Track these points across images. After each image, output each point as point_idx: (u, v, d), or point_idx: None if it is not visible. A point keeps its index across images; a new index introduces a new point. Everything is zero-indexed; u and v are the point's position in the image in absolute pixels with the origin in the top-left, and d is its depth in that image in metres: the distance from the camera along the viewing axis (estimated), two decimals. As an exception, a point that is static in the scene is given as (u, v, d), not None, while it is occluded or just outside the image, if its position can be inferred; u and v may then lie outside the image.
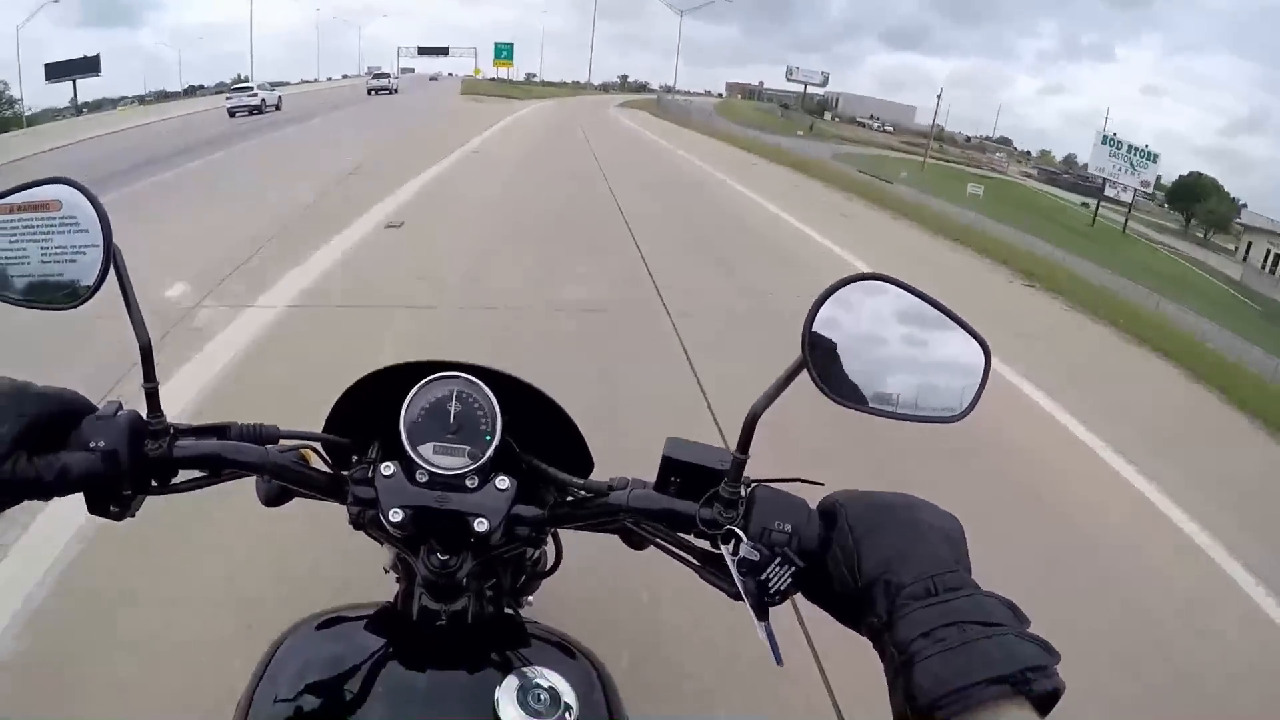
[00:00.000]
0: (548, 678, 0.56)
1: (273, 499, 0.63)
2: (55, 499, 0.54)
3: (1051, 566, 2.32)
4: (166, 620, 1.74)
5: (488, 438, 0.58)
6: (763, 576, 0.50)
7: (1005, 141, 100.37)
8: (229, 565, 1.93)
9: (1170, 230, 57.67)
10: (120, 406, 0.56)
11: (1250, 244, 39.39)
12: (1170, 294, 12.86)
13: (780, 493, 0.53)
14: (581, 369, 3.39)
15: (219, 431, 0.59)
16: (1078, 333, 5.78)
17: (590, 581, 1.77)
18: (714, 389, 3.30)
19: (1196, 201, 59.32)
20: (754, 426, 0.53)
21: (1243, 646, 2.19)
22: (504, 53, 65.66)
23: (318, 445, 0.63)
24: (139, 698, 1.54)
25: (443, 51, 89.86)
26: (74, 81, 38.14)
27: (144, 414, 0.57)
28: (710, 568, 0.54)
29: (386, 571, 0.67)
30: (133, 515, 0.57)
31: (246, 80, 30.38)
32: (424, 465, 0.57)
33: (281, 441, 0.60)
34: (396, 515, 0.55)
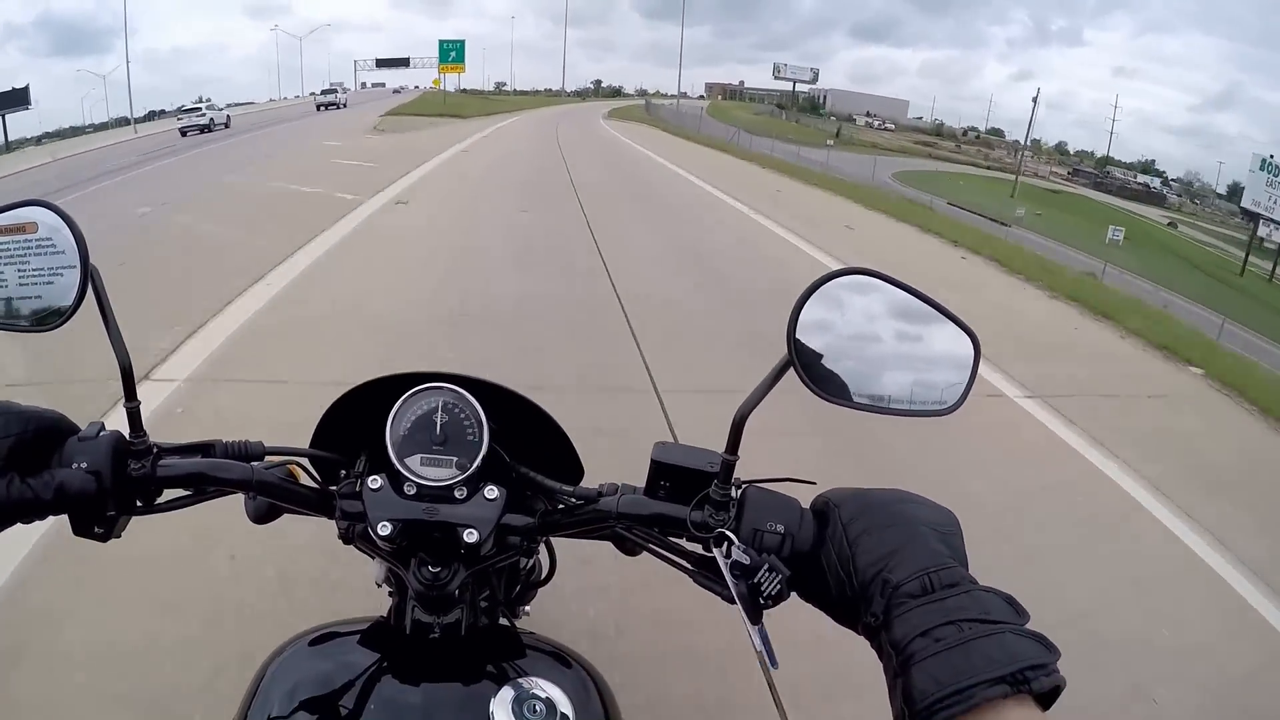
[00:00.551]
0: (543, 688, 0.56)
1: (261, 516, 0.62)
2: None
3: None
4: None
5: (475, 448, 0.57)
6: (755, 579, 0.49)
7: (998, 133, 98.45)
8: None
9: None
10: (103, 427, 0.56)
11: None
12: None
13: (772, 493, 0.53)
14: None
15: (203, 449, 0.58)
16: None
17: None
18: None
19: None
20: (742, 427, 0.52)
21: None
22: (452, 54, 47.57)
23: (304, 461, 0.62)
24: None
25: (403, 63, 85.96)
26: (2, 116, 34.49)
27: (127, 434, 0.56)
28: (703, 572, 0.53)
29: (379, 585, 0.67)
30: (118, 536, 0.57)
31: (206, 102, 30.63)
32: (412, 477, 0.56)
33: (267, 458, 0.59)
34: (385, 528, 0.55)
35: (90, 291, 0.56)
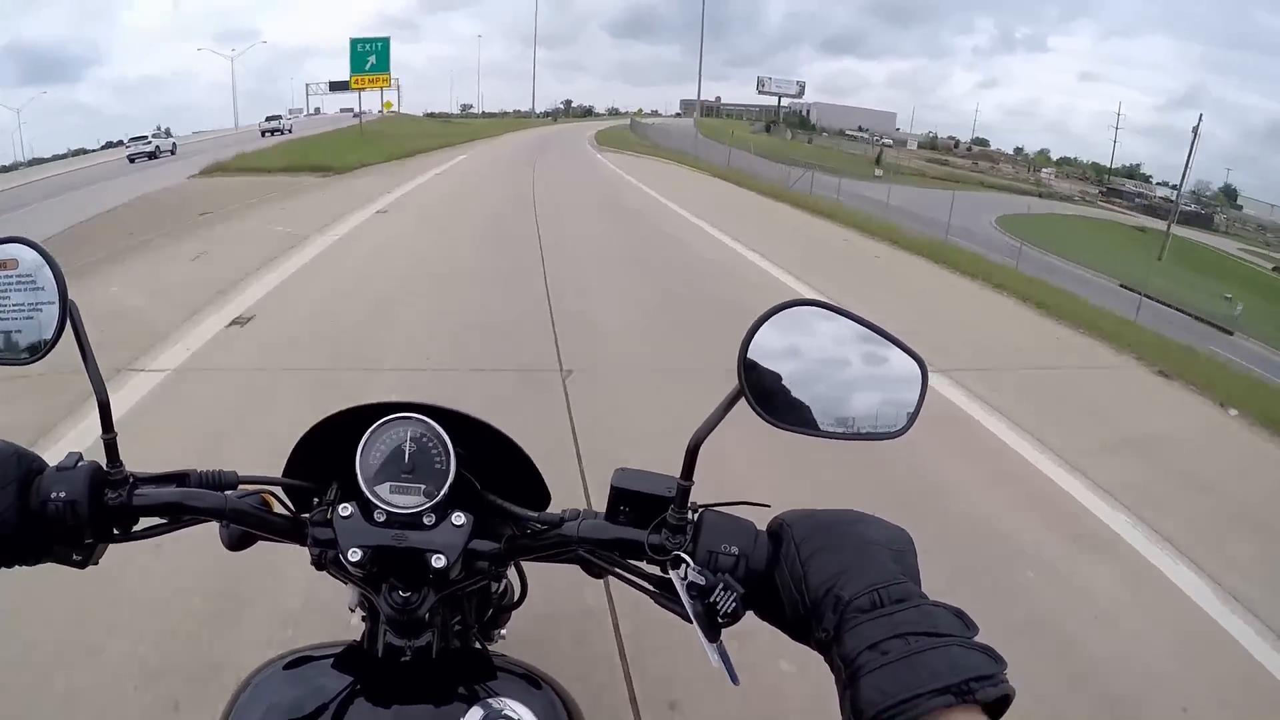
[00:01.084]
0: (513, 709, 0.57)
1: (235, 543, 0.64)
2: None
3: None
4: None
5: (442, 476, 0.59)
6: (711, 599, 0.50)
7: (983, 143, 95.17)
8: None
9: None
10: (80, 458, 0.57)
11: None
12: None
13: (728, 516, 0.55)
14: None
15: (178, 479, 0.60)
16: None
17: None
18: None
19: None
20: (696, 454, 0.54)
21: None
22: (370, 59, 31.47)
23: (277, 490, 0.64)
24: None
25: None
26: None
27: (104, 464, 0.58)
28: (664, 592, 0.55)
29: (352, 610, 0.68)
30: (95, 563, 0.58)
31: (155, 132, 32.45)
32: (381, 505, 0.58)
33: (241, 486, 0.61)
34: (355, 554, 0.56)
35: (70, 327, 0.58)
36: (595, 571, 0.61)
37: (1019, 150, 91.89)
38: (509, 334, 4.25)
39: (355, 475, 0.59)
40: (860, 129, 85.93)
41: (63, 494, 0.55)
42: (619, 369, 3.80)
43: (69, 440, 2.65)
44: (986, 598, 2.11)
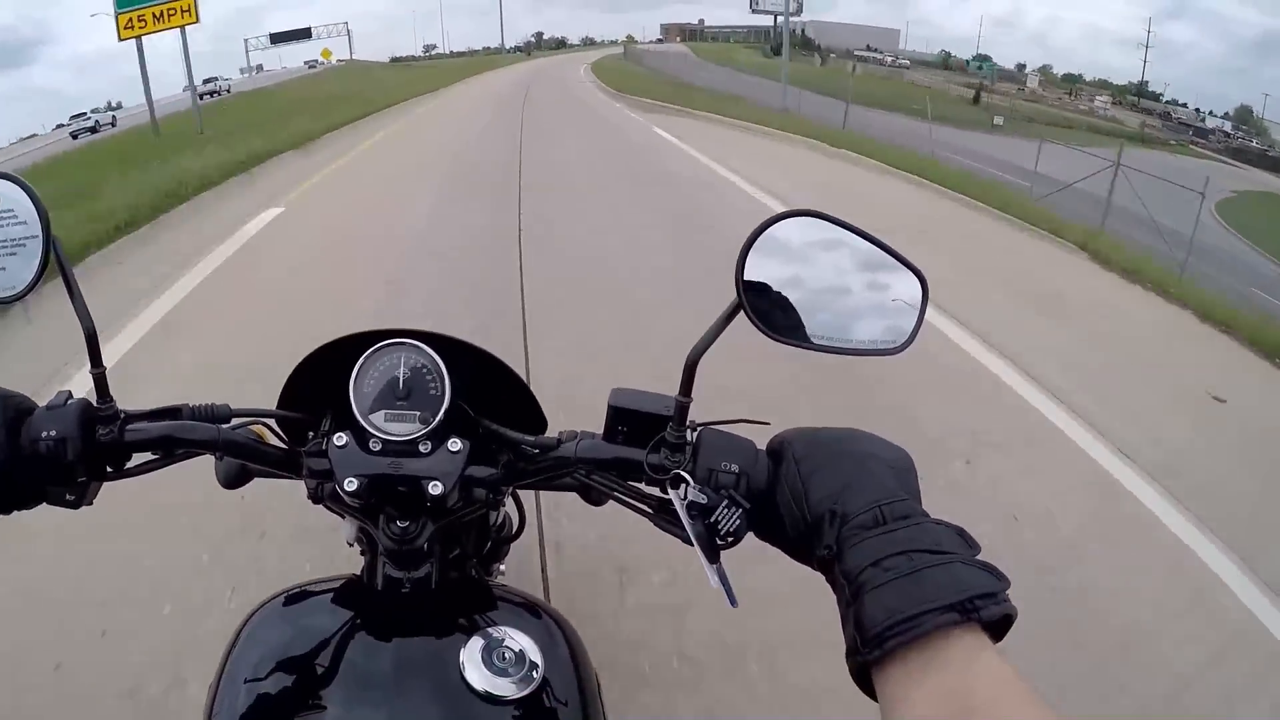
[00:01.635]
0: (514, 638, 0.57)
1: (232, 480, 0.63)
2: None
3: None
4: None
5: (438, 402, 0.58)
6: (712, 519, 0.50)
7: (984, 58, 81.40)
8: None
9: None
10: (70, 395, 0.57)
11: None
12: None
13: (727, 435, 0.54)
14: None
15: (170, 413, 0.59)
16: None
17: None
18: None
19: None
20: (694, 369, 0.53)
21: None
22: None
23: (271, 422, 0.63)
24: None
25: (303, 35, 64.62)
26: None
27: (94, 401, 0.57)
28: (663, 515, 0.55)
29: (350, 545, 0.68)
30: (89, 503, 0.58)
31: (94, 110, 34.98)
32: (376, 433, 0.57)
33: (234, 420, 0.60)
34: (352, 484, 0.56)
35: (55, 261, 0.57)
36: (593, 497, 0.61)
37: (1021, 68, 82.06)
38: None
39: (349, 405, 0.58)
40: (869, 48, 77.62)
41: (54, 432, 0.54)
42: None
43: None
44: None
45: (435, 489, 0.56)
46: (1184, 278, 6.34)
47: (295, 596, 0.63)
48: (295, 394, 0.64)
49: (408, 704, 0.54)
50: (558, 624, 0.63)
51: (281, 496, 1.30)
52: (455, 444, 0.58)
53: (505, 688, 0.54)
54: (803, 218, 0.52)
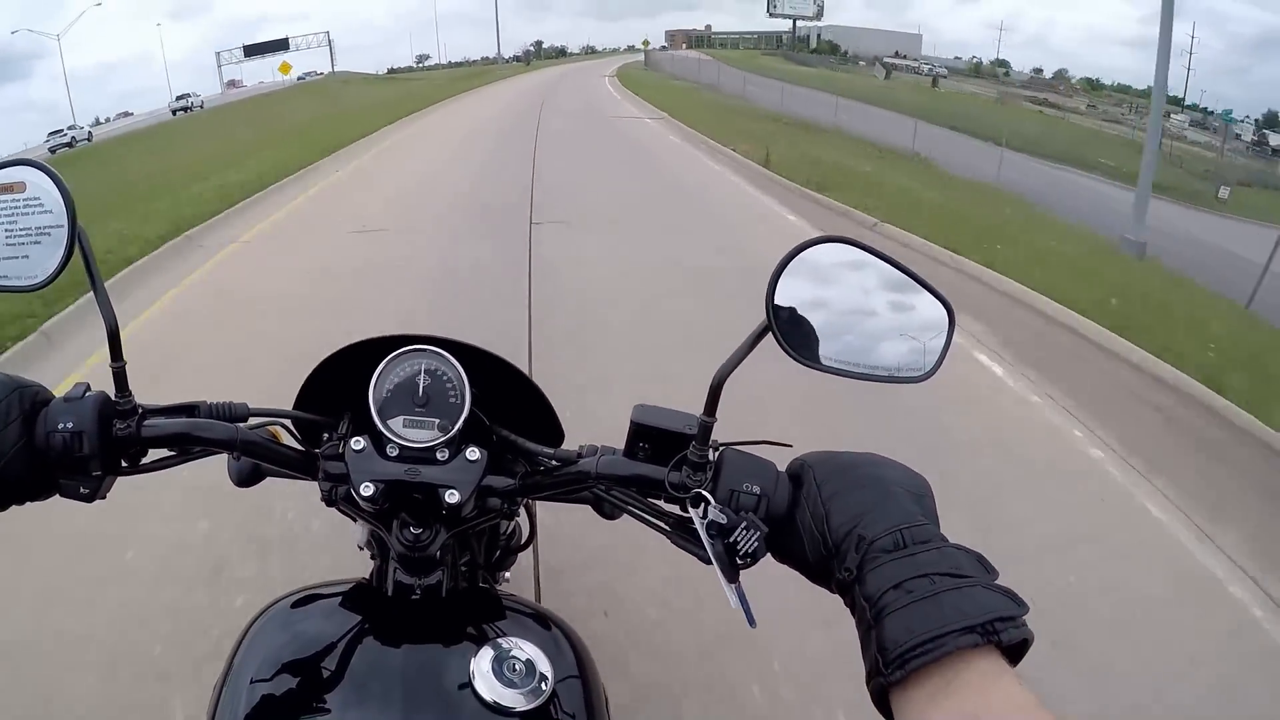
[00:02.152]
0: (523, 649, 0.56)
1: (245, 478, 0.63)
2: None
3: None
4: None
5: (457, 410, 0.58)
6: (731, 539, 0.50)
7: (1002, 64, 78.73)
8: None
9: None
10: (88, 388, 0.56)
11: None
12: None
13: (749, 455, 0.54)
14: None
15: (188, 410, 0.58)
16: None
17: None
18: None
19: None
20: (720, 390, 0.53)
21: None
22: None
23: (287, 423, 0.63)
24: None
25: (280, 46, 61.14)
26: None
27: (112, 394, 0.56)
28: (681, 532, 0.54)
29: (361, 548, 0.67)
30: (102, 497, 0.57)
31: (70, 126, 36.06)
32: (394, 439, 0.57)
33: (251, 419, 0.60)
34: (368, 489, 0.55)
35: (79, 251, 0.56)
36: (607, 512, 0.60)
37: (1038, 71, 77.00)
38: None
39: (368, 409, 0.58)
40: (897, 54, 71.34)
41: (70, 424, 0.53)
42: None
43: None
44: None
45: (452, 497, 0.56)
46: None
47: (303, 599, 0.63)
48: (313, 396, 0.64)
49: (415, 712, 0.53)
50: (566, 635, 0.63)
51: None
52: (474, 453, 0.57)
53: (514, 699, 0.53)
54: (834, 245, 0.52)
